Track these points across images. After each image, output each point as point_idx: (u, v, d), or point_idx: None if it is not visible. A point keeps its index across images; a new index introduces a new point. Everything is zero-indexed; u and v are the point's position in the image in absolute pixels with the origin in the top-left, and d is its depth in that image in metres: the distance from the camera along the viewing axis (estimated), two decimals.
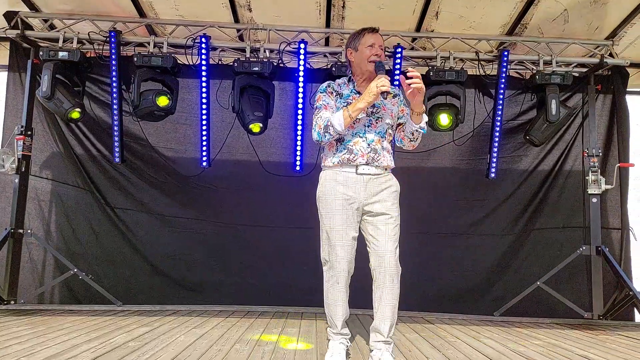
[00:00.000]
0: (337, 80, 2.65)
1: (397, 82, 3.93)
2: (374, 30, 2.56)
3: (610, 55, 4.36)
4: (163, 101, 4.08)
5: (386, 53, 3.34)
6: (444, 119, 4.19)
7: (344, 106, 2.47)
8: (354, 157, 2.44)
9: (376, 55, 2.49)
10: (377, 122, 2.51)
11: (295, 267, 4.46)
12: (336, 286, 2.44)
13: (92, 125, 4.46)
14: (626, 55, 4.40)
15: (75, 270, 4.01)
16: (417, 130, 2.46)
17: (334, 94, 2.57)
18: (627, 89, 4.53)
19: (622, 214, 4.39)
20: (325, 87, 2.60)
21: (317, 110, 2.55)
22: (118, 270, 4.43)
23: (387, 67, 3.54)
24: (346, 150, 2.47)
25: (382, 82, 2.31)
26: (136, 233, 4.52)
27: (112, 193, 4.51)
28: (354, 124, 2.48)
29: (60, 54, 4.04)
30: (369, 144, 2.47)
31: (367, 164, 2.44)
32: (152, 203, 4.56)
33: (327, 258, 2.46)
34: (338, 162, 2.48)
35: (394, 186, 2.53)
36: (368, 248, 2.47)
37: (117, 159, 4.27)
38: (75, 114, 4.14)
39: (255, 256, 4.58)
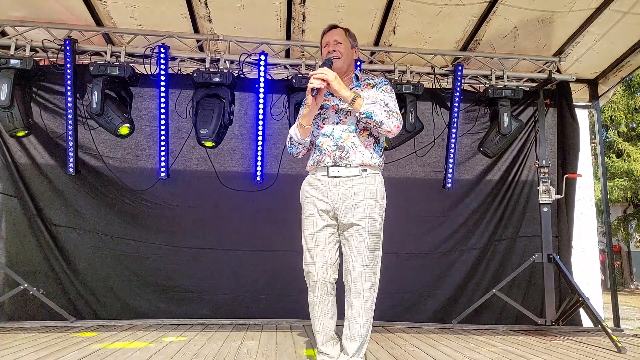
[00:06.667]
0: None
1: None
2: (329, 29, 2.58)
3: (558, 71, 4.58)
4: (124, 130, 4.05)
5: None
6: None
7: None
8: (322, 158, 2.38)
9: (329, 52, 2.48)
10: (345, 117, 2.42)
11: (251, 289, 4.37)
12: (311, 295, 2.36)
13: (40, 135, 4.25)
14: (572, 71, 4.64)
15: (26, 285, 3.82)
16: (362, 118, 2.34)
17: None
18: (574, 103, 4.77)
19: (568, 222, 4.58)
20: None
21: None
22: (69, 290, 4.18)
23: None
24: (317, 151, 2.43)
25: (311, 79, 2.29)
26: (77, 254, 4.24)
27: (55, 209, 4.23)
28: (324, 123, 2.44)
29: (12, 61, 3.89)
30: (335, 142, 2.38)
31: (335, 164, 2.35)
32: (98, 221, 4.29)
33: (304, 264, 2.40)
34: (312, 165, 2.45)
35: (372, 190, 2.36)
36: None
37: (71, 170, 4.11)
38: (21, 133, 4.05)
39: (208, 280, 4.36)
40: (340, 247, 2.41)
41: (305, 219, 2.43)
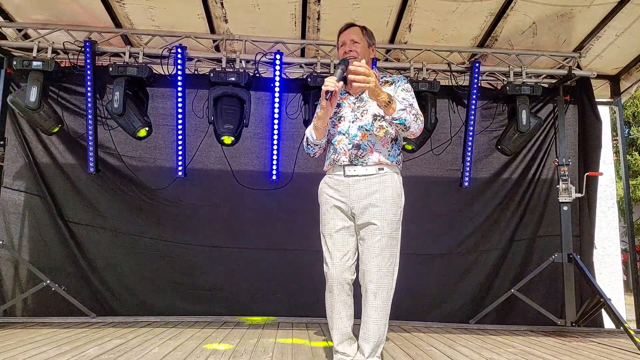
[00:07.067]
0: None
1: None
2: (345, 27, 2.54)
3: (578, 67, 4.49)
4: (142, 133, 4.16)
5: None
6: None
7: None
8: (338, 157, 2.36)
9: (345, 52, 2.45)
10: (362, 116, 2.38)
11: (267, 287, 4.39)
12: (328, 295, 2.36)
13: (61, 135, 4.33)
14: (593, 67, 4.54)
15: (48, 282, 3.89)
16: (391, 122, 2.27)
17: None
18: (596, 100, 4.66)
19: (590, 222, 4.49)
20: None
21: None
22: (89, 287, 4.28)
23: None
24: (333, 150, 2.41)
25: (325, 82, 2.24)
26: (96, 251, 4.32)
27: (76, 207, 4.33)
28: (339, 121, 2.42)
29: (34, 63, 3.99)
30: (351, 141, 2.35)
31: (351, 163, 2.32)
32: (117, 219, 4.36)
33: (324, 264, 2.39)
34: (329, 164, 2.44)
35: (389, 189, 2.32)
36: None
37: (91, 169, 4.19)
38: (56, 129, 4.18)
39: (224, 278, 4.40)
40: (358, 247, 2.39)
41: (323, 220, 2.42)
